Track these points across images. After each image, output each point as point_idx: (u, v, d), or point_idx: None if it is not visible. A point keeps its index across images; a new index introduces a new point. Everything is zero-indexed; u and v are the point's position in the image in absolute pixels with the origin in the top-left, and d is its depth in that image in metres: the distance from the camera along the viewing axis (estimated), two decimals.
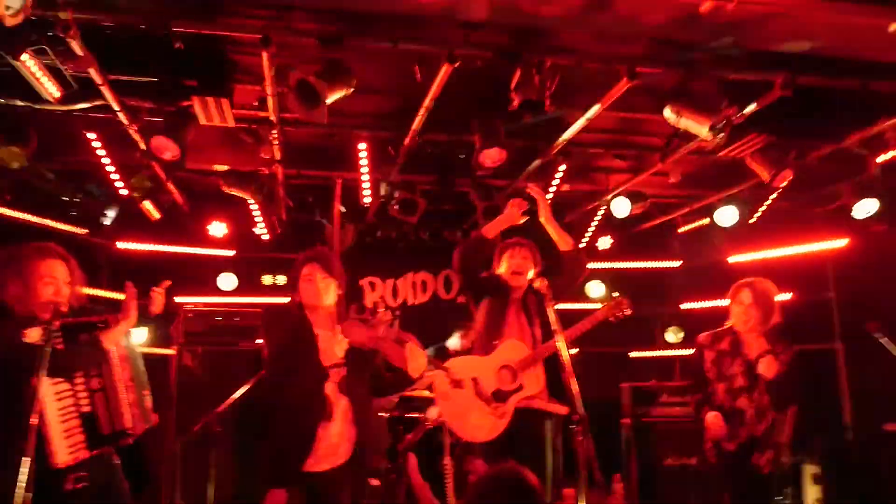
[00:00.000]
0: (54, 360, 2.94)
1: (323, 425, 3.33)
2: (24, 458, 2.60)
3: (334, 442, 3.36)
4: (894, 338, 3.92)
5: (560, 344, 3.45)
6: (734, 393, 4.11)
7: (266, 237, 7.00)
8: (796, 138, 5.39)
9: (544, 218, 4.50)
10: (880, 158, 5.34)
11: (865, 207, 6.08)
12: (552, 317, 3.53)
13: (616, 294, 4.59)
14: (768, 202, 6.33)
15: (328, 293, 3.49)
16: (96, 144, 5.02)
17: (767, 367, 3.97)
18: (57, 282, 3.19)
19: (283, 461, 3.33)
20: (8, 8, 2.64)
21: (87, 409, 3.22)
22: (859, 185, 6.08)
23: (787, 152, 5.54)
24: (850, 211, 6.17)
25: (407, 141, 5.06)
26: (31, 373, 2.80)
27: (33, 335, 2.88)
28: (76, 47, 3.58)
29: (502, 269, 4.44)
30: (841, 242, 6.65)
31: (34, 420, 2.68)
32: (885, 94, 4.65)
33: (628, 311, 4.45)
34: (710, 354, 4.23)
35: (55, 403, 3.10)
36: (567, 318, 5.16)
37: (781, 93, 4.32)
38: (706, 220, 6.98)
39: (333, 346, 3.46)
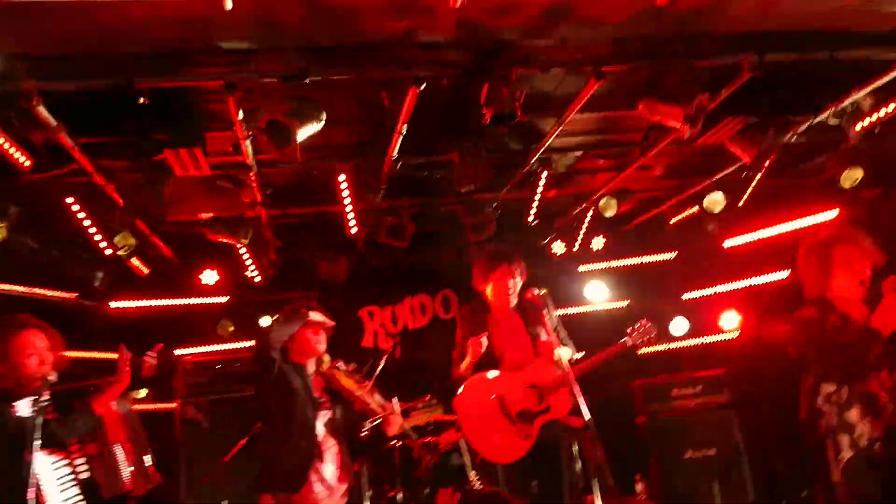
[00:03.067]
0: (47, 431, 2.92)
1: (314, 466, 3.32)
2: None
3: (330, 485, 3.35)
4: None
5: (563, 353, 3.44)
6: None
7: (258, 279, 6.96)
8: (773, 116, 5.37)
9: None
10: (858, 126, 5.32)
11: (851, 176, 6.08)
12: (554, 324, 3.51)
13: (644, 320, 4.37)
14: (754, 183, 6.32)
15: (324, 344, 3.56)
16: (75, 208, 4.99)
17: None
18: (39, 351, 3.17)
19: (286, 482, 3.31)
20: None
21: (85, 475, 3.20)
22: (842, 155, 6.09)
23: (766, 131, 5.53)
24: (838, 182, 6.18)
25: (385, 167, 5.05)
26: (25, 447, 2.77)
27: (23, 408, 2.85)
28: (43, 115, 3.56)
29: (492, 293, 4.35)
30: (832, 213, 6.63)
31: (31, 494, 2.64)
32: (855, 62, 4.65)
33: (654, 336, 4.25)
34: None
35: (52, 474, 3.07)
36: (571, 323, 5.16)
37: (750, 74, 4.31)
38: (696, 209, 6.97)
39: (318, 390, 3.52)
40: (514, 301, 4.35)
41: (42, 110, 3.52)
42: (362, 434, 3.63)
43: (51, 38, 3.21)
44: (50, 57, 3.39)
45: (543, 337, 4.18)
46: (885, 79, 4.65)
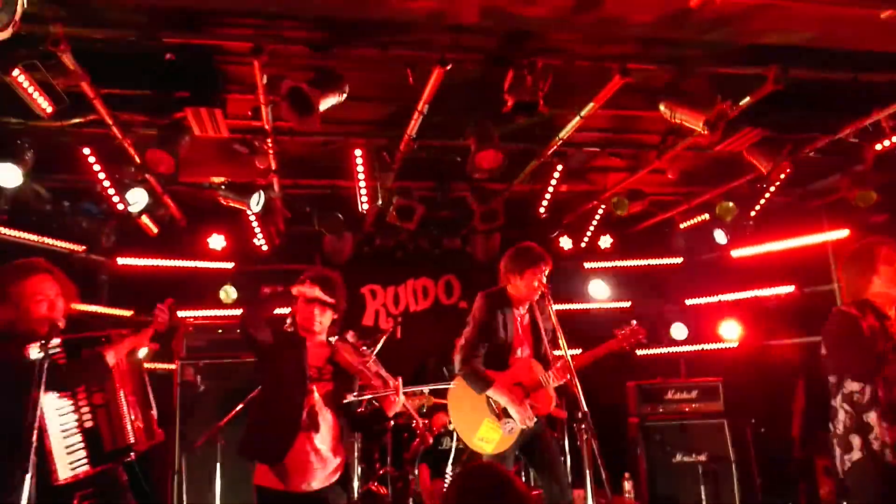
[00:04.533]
0: (56, 376, 2.94)
1: (309, 435, 3.33)
2: (25, 476, 2.58)
3: (323, 456, 3.36)
4: None
5: (564, 348, 3.48)
6: None
7: (265, 248, 6.99)
8: (791, 131, 5.38)
9: None
10: (877, 148, 5.32)
11: (865, 197, 6.08)
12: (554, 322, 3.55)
13: (633, 322, 4.42)
14: (767, 196, 6.31)
15: (324, 321, 3.53)
16: (91, 160, 5.02)
17: None
18: (48, 297, 3.18)
19: (266, 450, 3.33)
20: None
21: (89, 424, 3.21)
22: (857, 176, 6.08)
23: (783, 145, 5.53)
24: (850, 202, 6.18)
25: (402, 146, 5.06)
26: (33, 388, 2.79)
27: (36, 352, 2.87)
28: (67, 61, 3.58)
29: (522, 286, 4.33)
30: (842, 233, 6.63)
31: (35, 435, 2.66)
32: (878, 84, 4.64)
33: (643, 339, 4.32)
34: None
35: (57, 419, 3.09)
36: (572, 319, 5.15)
37: (774, 86, 4.31)
38: (706, 216, 6.97)
39: (321, 360, 3.51)
40: (536, 298, 4.35)
41: (68, 56, 3.53)
42: (360, 410, 3.64)
43: None
44: (79, 3, 3.40)
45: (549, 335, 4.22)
46: None
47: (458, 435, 4.53)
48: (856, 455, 3.19)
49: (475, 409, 4.19)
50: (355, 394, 3.50)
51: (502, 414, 4.13)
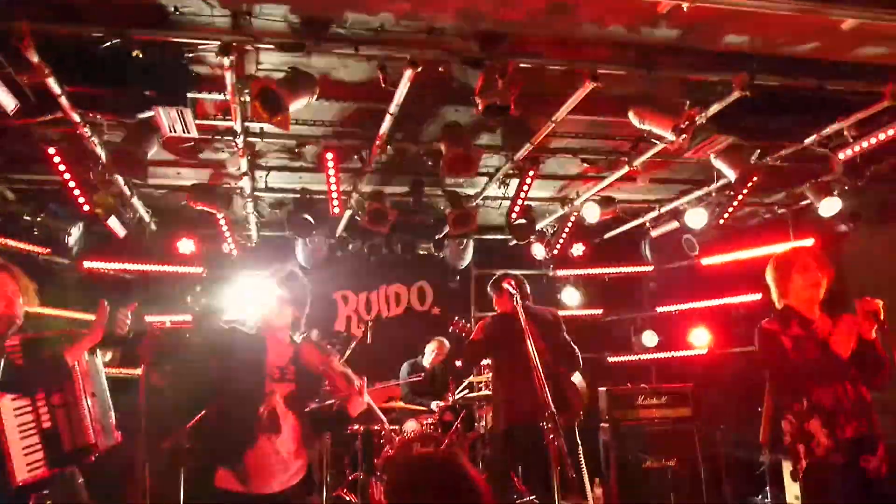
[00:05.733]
0: (14, 376, 2.88)
1: (270, 437, 3.29)
2: None
3: (284, 458, 3.32)
4: None
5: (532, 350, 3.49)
6: None
7: (235, 253, 6.91)
8: (759, 138, 5.46)
9: None
10: (841, 156, 5.43)
11: (830, 206, 6.19)
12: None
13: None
14: (736, 203, 6.40)
15: (282, 316, 3.48)
16: (57, 160, 4.92)
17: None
18: (6, 294, 3.11)
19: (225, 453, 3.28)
20: None
21: (47, 424, 3.14)
22: (823, 184, 6.20)
23: (752, 152, 5.63)
24: (816, 210, 6.29)
25: (374, 149, 5.04)
26: None
27: None
28: (32, 57, 3.51)
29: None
30: (808, 242, 6.74)
31: None
32: (842, 93, 4.74)
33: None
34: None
35: (14, 420, 3.01)
36: None
37: (740, 93, 4.38)
38: (676, 224, 7.05)
39: (284, 360, 3.46)
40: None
41: (32, 52, 3.47)
42: (321, 409, 3.58)
43: None
44: None
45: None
46: (870, 112, 4.75)
47: None
48: (803, 462, 3.27)
49: None
50: (318, 400, 3.46)
51: None
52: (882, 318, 3.26)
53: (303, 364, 3.46)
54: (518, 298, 3.87)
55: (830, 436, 3.19)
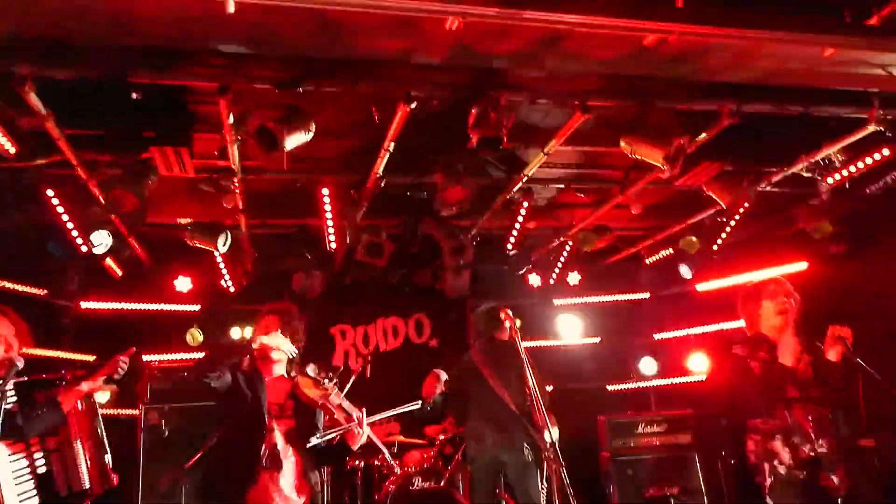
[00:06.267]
0: (8, 421, 2.87)
1: (271, 474, 3.28)
2: None
3: (286, 494, 3.30)
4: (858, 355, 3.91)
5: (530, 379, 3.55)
6: None
7: (232, 289, 6.92)
8: (749, 164, 5.54)
9: None
10: (829, 181, 5.50)
11: (822, 229, 6.25)
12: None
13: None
14: (728, 229, 6.46)
15: (283, 348, 3.49)
16: (55, 201, 4.96)
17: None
18: (4, 338, 3.12)
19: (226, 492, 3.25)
20: None
21: (42, 470, 3.13)
22: (813, 208, 6.27)
23: (742, 178, 5.69)
24: (808, 234, 6.35)
25: (369, 183, 5.09)
26: None
27: None
28: (33, 102, 3.57)
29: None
30: (801, 266, 6.79)
31: None
32: (828, 119, 4.83)
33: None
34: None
35: (8, 466, 3.00)
36: (541, 358, 5.18)
37: (729, 121, 4.46)
38: (671, 251, 7.10)
39: (283, 397, 3.47)
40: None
41: (32, 96, 3.52)
42: (320, 443, 3.57)
43: (48, 22, 3.21)
44: (45, 41, 3.40)
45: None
46: (856, 137, 4.83)
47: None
48: (768, 480, 3.47)
49: None
50: (318, 435, 3.46)
51: None
52: (849, 343, 3.43)
53: (301, 399, 3.47)
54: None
55: (791, 455, 3.41)
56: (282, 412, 3.46)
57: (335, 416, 3.45)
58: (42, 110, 3.69)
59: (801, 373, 3.53)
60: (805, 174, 5.58)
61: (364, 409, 3.46)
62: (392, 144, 4.45)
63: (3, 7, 2.94)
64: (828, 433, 3.43)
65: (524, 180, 5.36)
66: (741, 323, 7.39)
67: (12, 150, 3.87)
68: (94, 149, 4.33)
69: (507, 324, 4.09)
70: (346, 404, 3.41)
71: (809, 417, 3.46)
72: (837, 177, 5.45)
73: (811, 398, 3.49)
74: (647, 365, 7.96)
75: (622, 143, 4.84)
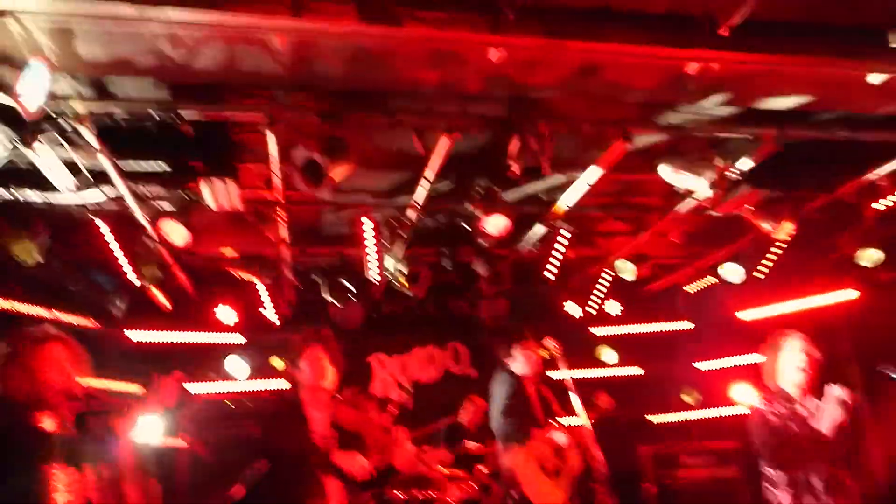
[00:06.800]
0: (66, 448, 2.92)
1: None
2: None
3: None
4: None
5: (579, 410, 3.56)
6: None
7: (275, 319, 7.00)
8: (791, 191, 5.45)
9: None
10: (875, 206, 5.39)
11: (871, 256, 6.11)
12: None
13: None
14: (772, 256, 6.36)
15: (328, 377, 3.51)
16: (105, 233, 5.10)
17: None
18: (61, 364, 3.17)
19: None
20: (23, 97, 2.76)
21: (95, 498, 3.17)
22: (860, 234, 6.13)
23: (784, 205, 5.61)
24: (854, 261, 6.21)
25: (410, 214, 5.15)
26: (43, 460, 2.78)
27: (48, 422, 2.87)
28: (89, 137, 3.71)
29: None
30: (852, 293, 6.63)
31: None
32: (874, 143, 4.75)
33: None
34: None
35: (63, 493, 3.05)
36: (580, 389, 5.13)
37: (772, 148, 4.42)
38: (712, 278, 7.00)
39: (325, 426, 3.47)
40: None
41: (88, 131, 3.66)
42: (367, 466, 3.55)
43: (104, 61, 3.34)
44: (101, 80, 3.55)
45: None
46: None
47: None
48: None
49: (540, 475, 4.43)
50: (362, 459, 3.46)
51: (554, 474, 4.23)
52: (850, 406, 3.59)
53: (342, 425, 3.48)
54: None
55: None
56: (325, 443, 3.46)
57: (375, 436, 3.44)
58: (95, 145, 3.82)
59: (815, 431, 3.63)
60: (850, 200, 5.48)
61: (404, 428, 3.45)
62: (433, 175, 4.50)
63: (65, 52, 3.06)
64: (837, 493, 3.53)
65: (563, 209, 5.36)
66: None
67: (69, 184, 4.01)
68: (145, 180, 4.45)
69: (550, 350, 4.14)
70: (386, 424, 3.41)
71: (821, 476, 3.56)
72: (883, 202, 5.35)
73: (824, 456, 3.59)
74: (688, 395, 7.79)
75: (661, 170, 4.83)
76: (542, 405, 4.92)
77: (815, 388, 3.80)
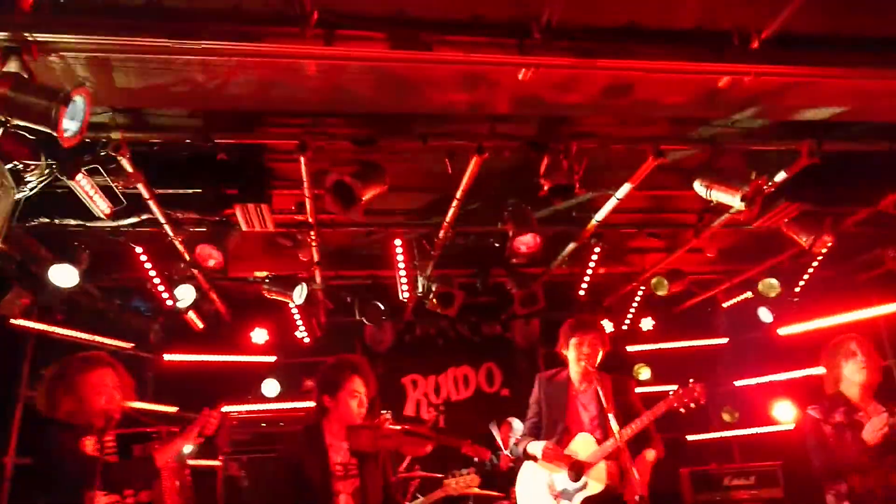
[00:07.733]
0: (107, 473, 2.95)
1: None
2: None
3: None
4: None
5: (620, 431, 3.49)
6: None
7: (307, 340, 7.04)
8: (829, 205, 5.34)
9: None
10: None
11: None
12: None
13: (691, 380, 4.23)
14: (810, 270, 6.22)
15: (362, 412, 3.49)
16: (143, 258, 5.19)
17: None
18: (108, 389, 3.22)
19: None
20: (65, 130, 2.82)
21: None
22: None
23: (823, 219, 5.49)
24: None
25: (441, 234, 5.15)
26: (87, 486, 2.81)
27: (90, 445, 2.90)
28: (126, 165, 3.79)
29: (571, 354, 4.24)
30: (893, 307, 6.45)
31: None
32: None
33: (702, 400, 4.12)
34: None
35: None
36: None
37: (808, 160, 4.33)
38: (749, 294, 6.87)
39: (345, 454, 3.43)
40: (588, 367, 4.19)
41: (127, 160, 3.74)
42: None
43: (141, 93, 3.41)
44: (138, 110, 3.63)
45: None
46: None
47: None
48: None
49: (539, 488, 4.13)
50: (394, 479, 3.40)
51: (561, 495, 4.04)
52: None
53: (362, 451, 3.41)
54: None
55: None
56: (346, 472, 3.40)
57: (400, 444, 3.40)
58: (135, 173, 3.90)
59: (877, 440, 3.43)
60: (891, 212, 5.34)
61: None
62: (464, 195, 4.50)
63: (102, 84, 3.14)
64: None
65: (595, 226, 5.32)
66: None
67: (107, 211, 4.10)
68: (181, 207, 4.53)
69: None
70: (405, 427, 3.37)
71: (881, 486, 3.40)
72: None
73: (885, 467, 3.42)
74: (728, 414, 7.61)
75: (696, 184, 4.76)
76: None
77: (880, 393, 3.64)
